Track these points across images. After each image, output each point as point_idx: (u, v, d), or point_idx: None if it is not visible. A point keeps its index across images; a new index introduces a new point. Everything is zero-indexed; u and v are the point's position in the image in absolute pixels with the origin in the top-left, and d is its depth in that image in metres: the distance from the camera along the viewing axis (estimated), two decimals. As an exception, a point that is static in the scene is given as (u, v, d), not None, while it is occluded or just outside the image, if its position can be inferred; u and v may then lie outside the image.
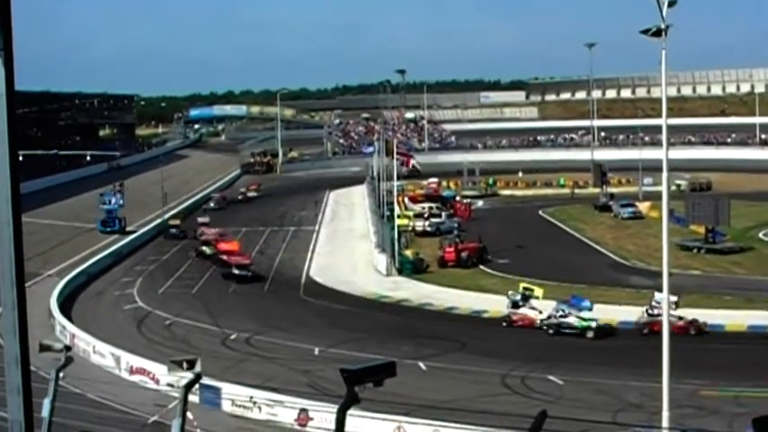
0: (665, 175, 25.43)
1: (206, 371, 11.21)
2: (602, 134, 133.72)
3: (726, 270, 53.87)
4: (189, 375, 8.88)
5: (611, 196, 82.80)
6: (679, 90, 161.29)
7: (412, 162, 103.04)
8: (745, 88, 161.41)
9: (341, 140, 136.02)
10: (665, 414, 24.50)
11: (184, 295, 50.75)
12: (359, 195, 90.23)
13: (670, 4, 25.03)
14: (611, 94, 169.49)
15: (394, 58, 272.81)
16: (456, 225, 68.39)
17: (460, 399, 30.59)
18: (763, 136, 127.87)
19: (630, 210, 75.27)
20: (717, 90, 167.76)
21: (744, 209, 69.74)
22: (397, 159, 75.39)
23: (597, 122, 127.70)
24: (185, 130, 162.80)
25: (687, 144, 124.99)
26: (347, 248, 65.25)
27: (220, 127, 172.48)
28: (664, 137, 25.66)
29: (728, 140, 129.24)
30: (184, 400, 8.71)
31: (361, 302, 49.43)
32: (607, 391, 31.65)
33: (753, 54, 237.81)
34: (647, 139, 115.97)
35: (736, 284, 49.19)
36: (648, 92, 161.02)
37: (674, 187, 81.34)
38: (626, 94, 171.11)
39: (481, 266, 57.18)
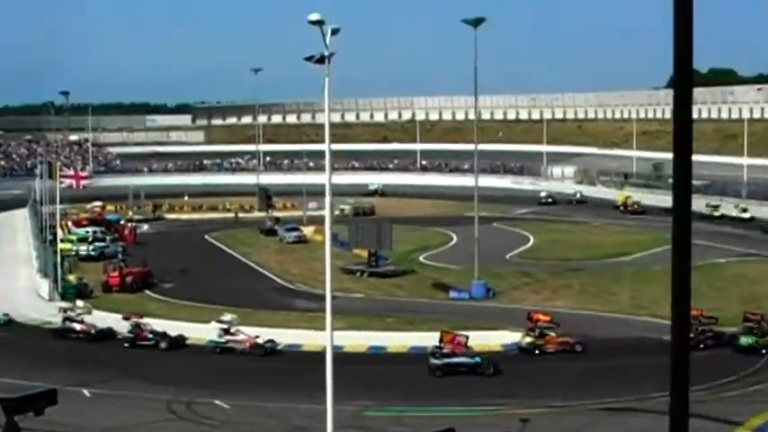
0: (327, 199, 26.37)
1: None
2: (268, 158, 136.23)
3: (388, 293, 56.43)
4: None
5: (277, 220, 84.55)
6: (343, 116, 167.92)
7: (83, 183, 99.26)
8: (406, 116, 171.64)
9: (1, 162, 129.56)
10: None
11: None
12: (21, 219, 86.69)
13: (333, 32, 26.14)
14: (276, 119, 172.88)
15: (58, 79, 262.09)
16: (121, 249, 67.39)
17: (126, 426, 30.04)
18: (424, 162, 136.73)
19: (295, 234, 77.11)
20: (379, 117, 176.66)
21: (405, 233, 73.52)
22: (64, 180, 73.01)
23: (263, 147, 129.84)
24: None
25: (351, 169, 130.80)
26: (9, 274, 62.04)
27: None
28: (327, 162, 26.63)
29: (391, 166, 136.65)
30: None
31: (27, 328, 48.14)
32: (275, 414, 32.04)
33: (414, 83, 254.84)
34: (311, 164, 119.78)
35: (398, 307, 51.73)
36: (313, 117, 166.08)
37: (337, 212, 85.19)
38: (291, 119, 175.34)
39: (147, 291, 56.60)
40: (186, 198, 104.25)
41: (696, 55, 6.02)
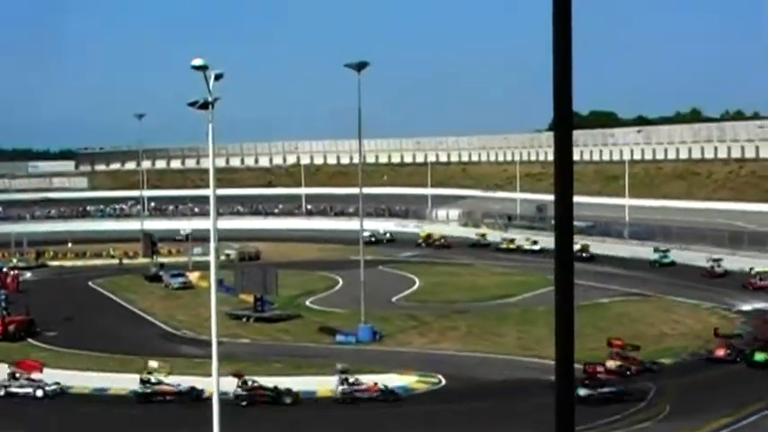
0: (212, 244, 26.03)
1: None
2: (152, 204, 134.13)
3: (274, 337, 56.06)
4: None
5: (162, 266, 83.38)
6: (228, 161, 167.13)
7: None
8: (291, 160, 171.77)
9: None
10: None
11: None
12: None
13: (217, 78, 25.96)
14: (161, 164, 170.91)
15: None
16: (3, 297, 64.98)
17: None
18: (309, 206, 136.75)
19: (181, 280, 76.13)
20: (264, 161, 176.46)
21: (291, 277, 73.23)
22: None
23: (147, 192, 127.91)
24: None
25: (236, 214, 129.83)
26: None
27: None
28: (212, 207, 26.30)
29: (276, 210, 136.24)
30: None
31: None
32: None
33: (298, 127, 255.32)
34: (196, 209, 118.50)
35: (285, 351, 51.40)
36: (198, 162, 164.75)
37: (223, 257, 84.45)
38: (176, 164, 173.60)
39: (30, 339, 55.19)
40: (70, 245, 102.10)
41: (576, 97, 6.10)
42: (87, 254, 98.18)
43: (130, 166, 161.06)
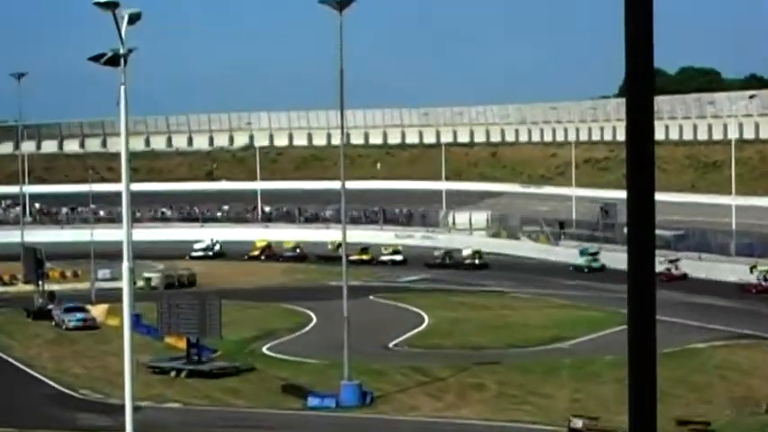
0: (126, 265, 25.98)
1: None
2: (38, 206, 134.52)
3: (218, 401, 55.86)
4: None
5: (52, 297, 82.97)
6: (148, 142, 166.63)
7: None
8: (240, 140, 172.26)
9: None
10: None
11: None
12: None
13: (132, 20, 25.93)
14: (50, 146, 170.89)
15: None
16: None
17: None
18: (267, 208, 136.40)
19: (79, 316, 76.05)
20: (202, 142, 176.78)
21: (241, 312, 73.88)
22: None
23: (30, 188, 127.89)
24: None
25: (161, 220, 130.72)
26: None
27: None
28: (125, 210, 26.24)
29: (219, 214, 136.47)
30: None
31: None
32: None
33: (253, 94, 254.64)
34: (102, 213, 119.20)
35: (234, 421, 51.26)
36: (104, 144, 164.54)
37: (141, 282, 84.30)
38: (72, 146, 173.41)
39: None
40: None
41: (660, 49, 6.10)
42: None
43: (5, 149, 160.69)
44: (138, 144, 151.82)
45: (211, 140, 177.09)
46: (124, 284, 26.24)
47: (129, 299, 26.12)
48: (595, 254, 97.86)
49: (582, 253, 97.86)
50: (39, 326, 77.10)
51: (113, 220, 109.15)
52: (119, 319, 64.43)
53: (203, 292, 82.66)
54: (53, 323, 76.68)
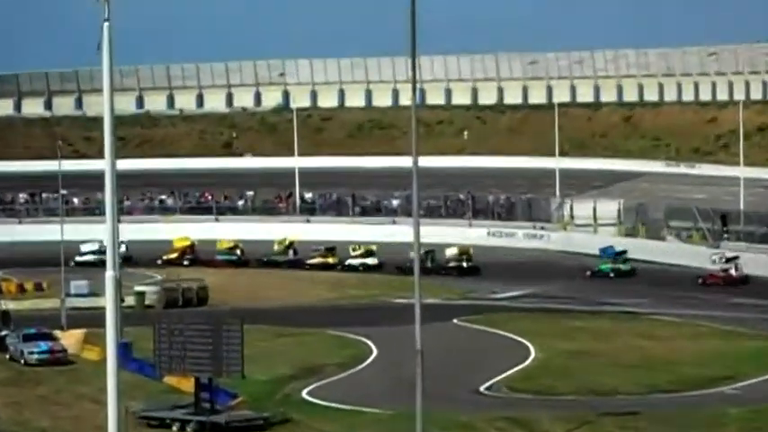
0: (110, 273, 26.04)
1: None
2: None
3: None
4: None
5: (5, 318, 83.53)
6: (141, 101, 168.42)
7: None
8: (271, 99, 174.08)
9: None
10: None
11: None
12: None
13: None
14: (4, 107, 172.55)
15: None
16: None
17: None
18: (308, 195, 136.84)
19: (44, 347, 76.13)
20: (217, 101, 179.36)
21: (269, 341, 74.78)
22: None
23: None
24: None
25: (160, 211, 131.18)
26: None
27: None
28: (108, 197, 26.26)
29: (240, 204, 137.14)
30: None
31: None
32: None
33: (287, 38, 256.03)
34: (76, 200, 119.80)
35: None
36: (78, 104, 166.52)
37: (130, 299, 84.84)
38: (34, 107, 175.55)
39: None
40: None
41: None
42: None
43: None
44: (127, 104, 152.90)
45: (230, 99, 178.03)
46: (107, 302, 26.30)
47: (115, 322, 26.15)
48: (622, 253, 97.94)
49: (605, 253, 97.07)
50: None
51: (92, 211, 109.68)
52: (99, 350, 64.91)
53: (217, 312, 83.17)
54: (7, 356, 76.78)
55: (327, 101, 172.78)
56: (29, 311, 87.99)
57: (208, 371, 61.65)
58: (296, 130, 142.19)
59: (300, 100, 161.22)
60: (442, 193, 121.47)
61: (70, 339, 77.76)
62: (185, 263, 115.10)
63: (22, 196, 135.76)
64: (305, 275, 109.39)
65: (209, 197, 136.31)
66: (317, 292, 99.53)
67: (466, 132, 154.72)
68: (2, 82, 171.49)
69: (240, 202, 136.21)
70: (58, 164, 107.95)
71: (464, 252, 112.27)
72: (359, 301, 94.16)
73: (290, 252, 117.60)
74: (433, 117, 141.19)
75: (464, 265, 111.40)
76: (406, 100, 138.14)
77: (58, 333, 78.90)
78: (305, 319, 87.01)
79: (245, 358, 62.11)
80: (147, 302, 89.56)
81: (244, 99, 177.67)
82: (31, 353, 75.87)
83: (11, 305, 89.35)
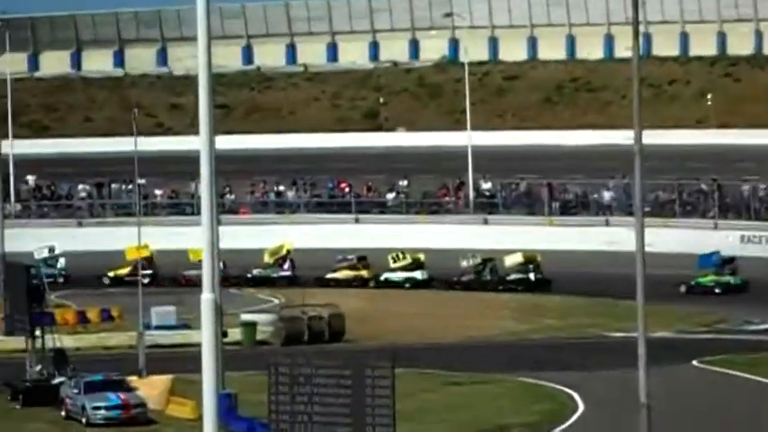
0: (207, 297, 25.99)
1: None
2: (30, 180, 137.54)
3: None
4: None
5: (61, 360, 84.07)
6: (251, 54, 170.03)
7: None
8: (431, 49, 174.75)
9: None
10: None
11: None
12: None
13: None
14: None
15: None
16: None
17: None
18: (487, 185, 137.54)
19: (115, 400, 76.22)
20: (355, 52, 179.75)
21: (431, 391, 74.69)
22: None
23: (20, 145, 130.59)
24: None
25: (260, 210, 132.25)
26: None
27: None
28: (204, 192, 26.28)
29: (391, 197, 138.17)
30: None
31: None
32: None
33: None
34: (161, 192, 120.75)
35: None
36: (163, 59, 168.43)
37: (238, 332, 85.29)
38: (97, 62, 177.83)
39: None
40: None
41: None
42: None
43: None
44: (231, 58, 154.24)
45: (375, 50, 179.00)
46: (204, 336, 26.27)
47: (215, 364, 26.14)
48: (730, 261, 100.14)
49: (705, 261, 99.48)
50: (33, 417, 78.04)
51: (181, 208, 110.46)
52: (193, 404, 65.42)
53: (356, 350, 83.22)
54: (62, 413, 77.66)
55: (513, 52, 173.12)
56: (93, 350, 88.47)
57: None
58: (467, 93, 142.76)
59: (475, 51, 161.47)
60: (676, 182, 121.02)
61: (151, 389, 78.01)
62: (145, 281, 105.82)
63: (83, 188, 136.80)
64: (476, 298, 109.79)
65: (347, 188, 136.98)
66: (493, 321, 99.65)
67: (710, 96, 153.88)
68: (55, 27, 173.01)
69: (390, 196, 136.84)
70: (134, 142, 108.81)
71: (530, 260, 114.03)
72: (557, 333, 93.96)
73: (286, 265, 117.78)
74: (664, 74, 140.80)
75: (531, 277, 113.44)
76: (623, 50, 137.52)
77: (134, 380, 79.24)
78: (478, 359, 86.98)
79: (396, 416, 62.29)
80: (259, 337, 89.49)
81: (394, 50, 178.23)
82: (97, 408, 76.14)
83: (68, 342, 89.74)
